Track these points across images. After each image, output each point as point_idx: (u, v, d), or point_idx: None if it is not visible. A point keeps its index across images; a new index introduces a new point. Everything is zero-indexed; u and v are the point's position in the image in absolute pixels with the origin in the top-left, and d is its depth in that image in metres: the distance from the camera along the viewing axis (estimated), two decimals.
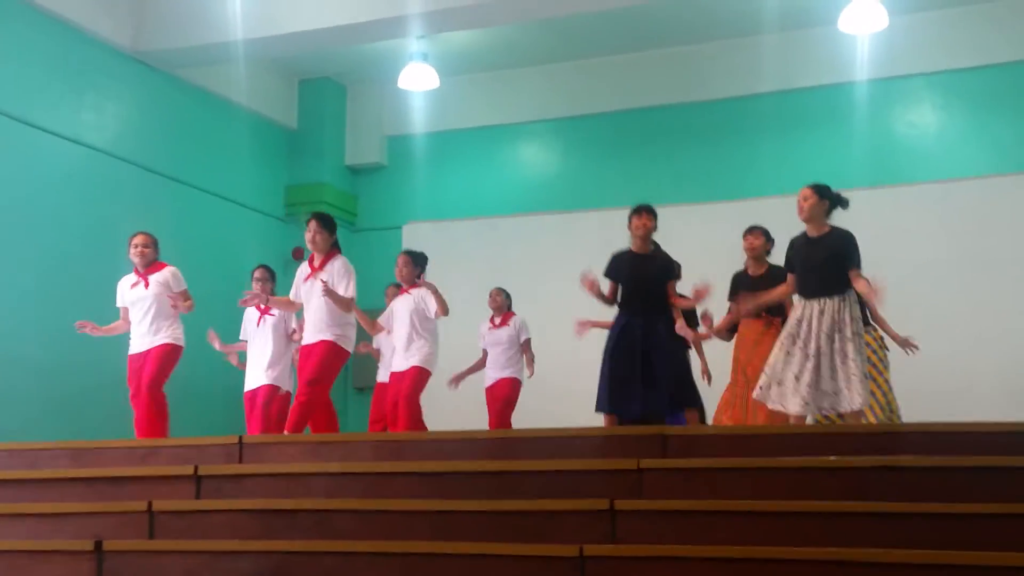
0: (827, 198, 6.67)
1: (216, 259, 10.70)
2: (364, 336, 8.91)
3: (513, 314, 9.31)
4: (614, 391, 7.13)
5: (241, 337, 8.74)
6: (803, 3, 10.50)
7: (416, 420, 7.98)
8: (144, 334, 7.80)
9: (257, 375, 8.45)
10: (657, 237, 7.50)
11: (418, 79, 11.22)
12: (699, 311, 7.66)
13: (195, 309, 7.89)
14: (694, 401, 7.36)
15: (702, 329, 7.82)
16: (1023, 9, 10.57)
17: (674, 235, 7.78)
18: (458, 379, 9.26)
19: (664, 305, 7.30)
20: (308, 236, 7.66)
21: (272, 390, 8.37)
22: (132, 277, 7.94)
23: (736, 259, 8.20)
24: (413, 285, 8.24)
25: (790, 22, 10.77)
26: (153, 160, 10.55)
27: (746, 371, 7.66)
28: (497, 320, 9.31)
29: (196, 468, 5.86)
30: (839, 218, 6.75)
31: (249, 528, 5.27)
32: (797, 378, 6.45)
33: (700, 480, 5.27)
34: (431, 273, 8.44)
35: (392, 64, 11.43)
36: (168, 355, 7.76)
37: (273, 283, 8.68)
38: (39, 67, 9.44)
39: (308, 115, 12.55)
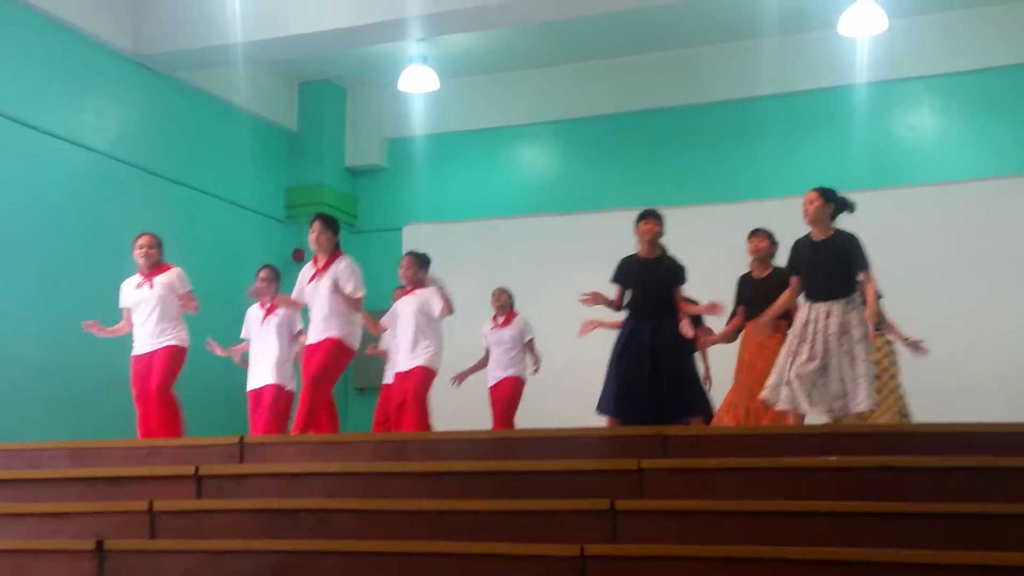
0: (832, 201, 6.68)
1: (216, 261, 10.69)
2: (371, 338, 8.93)
3: (516, 314, 9.35)
4: (621, 395, 7.13)
5: (243, 335, 8.75)
6: (803, 6, 10.51)
7: (423, 420, 7.99)
8: (149, 335, 7.79)
9: (262, 374, 8.47)
10: None
11: (418, 81, 11.24)
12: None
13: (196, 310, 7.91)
14: (704, 408, 7.37)
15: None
16: (1022, 12, 10.59)
17: (673, 237, 7.77)
18: (461, 377, 9.27)
19: (673, 309, 7.32)
20: (312, 236, 7.69)
21: (278, 390, 8.40)
22: (136, 278, 7.94)
23: (735, 261, 8.21)
24: (417, 285, 8.25)
25: (790, 25, 10.78)
26: (153, 162, 10.56)
27: (750, 372, 7.66)
28: (500, 319, 9.34)
29: (197, 468, 5.87)
30: (839, 219, 6.76)
31: (250, 528, 5.27)
32: (802, 378, 6.46)
33: (700, 480, 5.27)
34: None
35: (392, 66, 11.44)
36: (174, 357, 7.77)
37: (278, 283, 8.68)
38: (39, 70, 9.45)
39: (308, 117, 12.56)
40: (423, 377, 8.03)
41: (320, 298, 7.57)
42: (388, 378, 8.90)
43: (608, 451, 5.92)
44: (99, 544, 5.04)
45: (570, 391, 9.06)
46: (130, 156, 10.30)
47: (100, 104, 10.10)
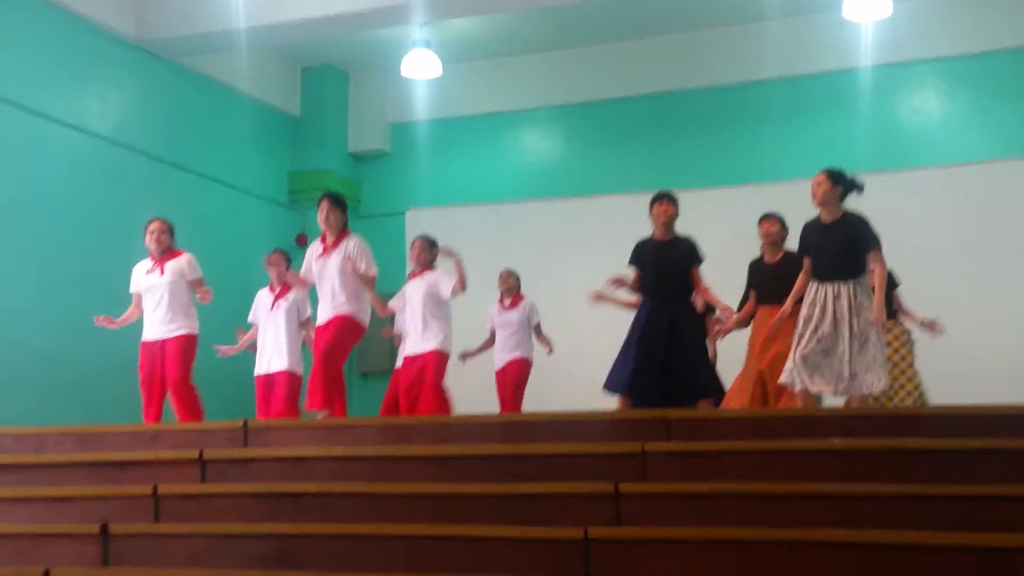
0: (841, 183, 6.67)
1: (220, 246, 10.67)
2: (385, 320, 8.91)
3: (523, 297, 9.37)
4: (637, 375, 7.10)
5: (250, 320, 8.75)
6: None
7: (444, 404, 7.98)
8: (160, 322, 7.77)
9: (272, 359, 8.49)
10: None
11: (421, 66, 11.19)
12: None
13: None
14: (716, 391, 7.36)
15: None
16: None
17: (678, 221, 7.75)
18: (468, 356, 9.32)
19: (689, 291, 7.31)
20: (321, 215, 7.71)
21: (290, 376, 8.43)
22: (147, 263, 7.91)
23: (740, 245, 8.20)
24: (427, 268, 8.23)
25: (793, 8, 10.75)
26: (157, 148, 10.55)
27: (760, 357, 7.65)
28: (507, 302, 9.36)
29: (201, 452, 5.88)
30: (848, 201, 6.76)
31: (254, 511, 5.28)
32: (806, 358, 6.46)
33: (704, 463, 5.27)
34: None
35: (395, 51, 11.40)
36: (187, 347, 7.77)
37: (288, 266, 8.66)
38: (43, 56, 9.43)
39: (311, 102, 12.54)
40: (437, 361, 8.01)
41: (329, 276, 7.60)
42: (400, 363, 8.89)
43: (612, 434, 5.92)
44: (104, 528, 5.05)
45: (573, 375, 9.08)
46: (133, 142, 10.30)
47: (103, 90, 10.09)
